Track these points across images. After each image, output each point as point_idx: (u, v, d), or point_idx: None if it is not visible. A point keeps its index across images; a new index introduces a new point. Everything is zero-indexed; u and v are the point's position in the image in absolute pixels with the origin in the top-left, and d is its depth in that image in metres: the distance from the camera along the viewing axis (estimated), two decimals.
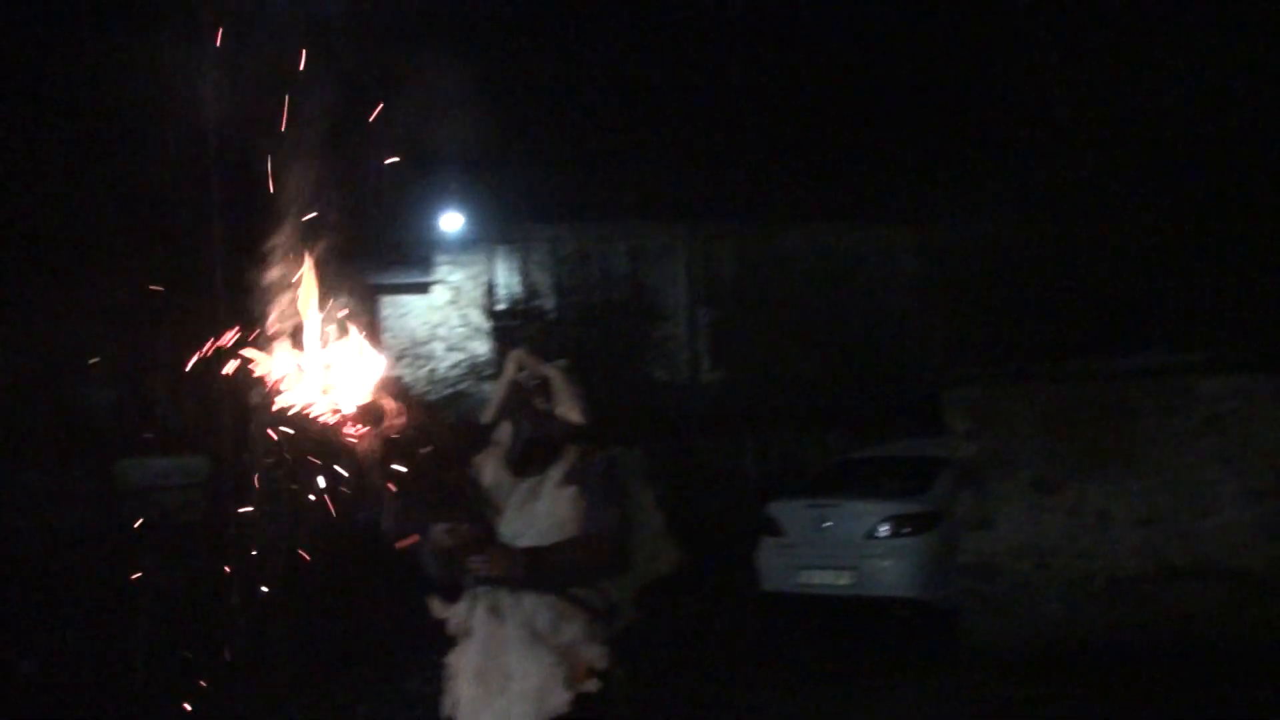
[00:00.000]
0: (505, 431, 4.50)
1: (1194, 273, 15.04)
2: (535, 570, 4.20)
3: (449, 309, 19.73)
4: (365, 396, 4.11)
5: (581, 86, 19.60)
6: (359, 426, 4.09)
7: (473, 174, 18.45)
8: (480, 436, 4.59)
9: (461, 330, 18.77)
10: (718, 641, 11.98)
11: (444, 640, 4.38)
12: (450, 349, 18.22)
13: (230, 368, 4.05)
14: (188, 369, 4.21)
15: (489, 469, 4.47)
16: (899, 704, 9.53)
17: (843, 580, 11.80)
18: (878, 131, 19.92)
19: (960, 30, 18.91)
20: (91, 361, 15.28)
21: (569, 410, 4.43)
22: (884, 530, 11.72)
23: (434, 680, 4.40)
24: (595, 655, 4.24)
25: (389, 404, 4.14)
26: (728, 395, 18.40)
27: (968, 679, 10.08)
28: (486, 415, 4.57)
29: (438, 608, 4.41)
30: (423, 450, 4.19)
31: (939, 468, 11.87)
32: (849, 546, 11.79)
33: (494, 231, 19.85)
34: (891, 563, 11.65)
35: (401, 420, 4.15)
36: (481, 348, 18.60)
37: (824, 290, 19.25)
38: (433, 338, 19.15)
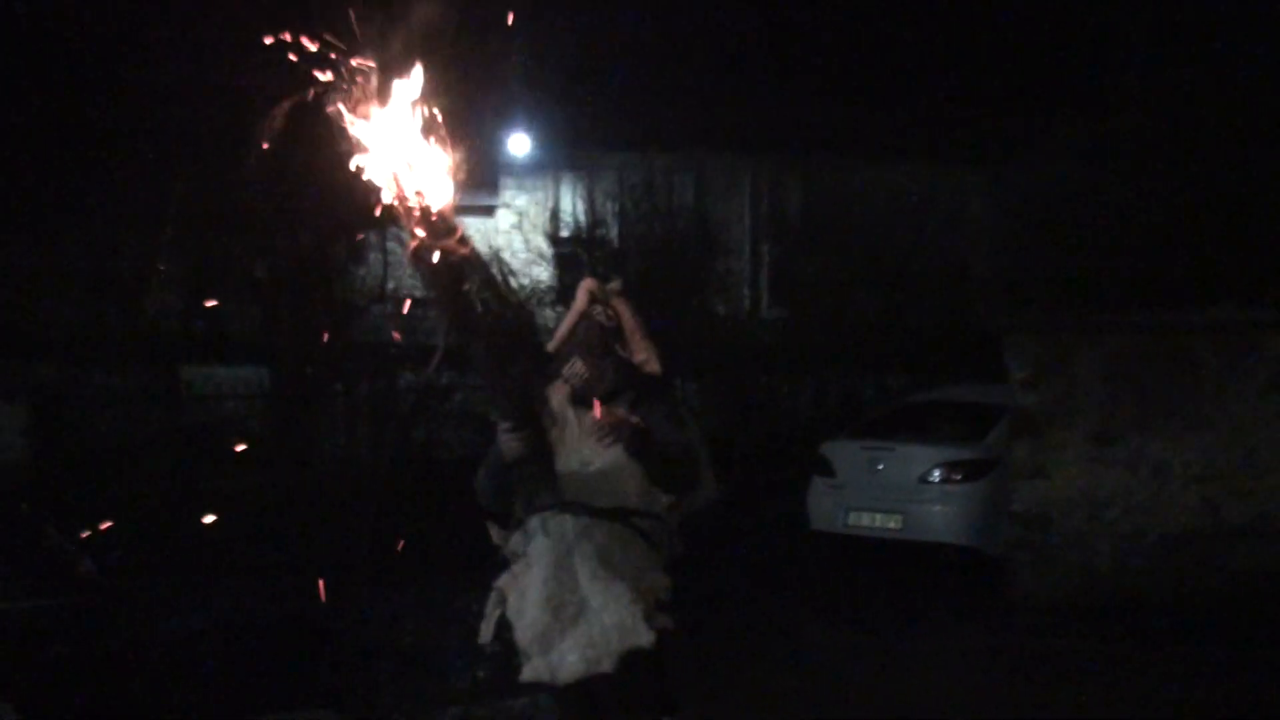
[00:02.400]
0: (573, 366, 4.50)
1: (1268, 226, 14.77)
2: (641, 436, 4.31)
3: (513, 233, 19.73)
4: (439, 204, 4.14)
5: (654, 13, 19.43)
6: (429, 234, 4.14)
7: (541, 97, 18.37)
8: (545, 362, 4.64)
9: (525, 255, 18.76)
10: (765, 578, 12.04)
11: (492, 564, 4.38)
12: (512, 274, 18.20)
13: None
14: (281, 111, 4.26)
15: (554, 400, 4.50)
16: (942, 647, 9.55)
17: (892, 523, 11.82)
18: (951, 69, 19.64)
19: None
20: (160, 267, 15.45)
21: (647, 360, 4.53)
22: (936, 475, 11.70)
23: (483, 603, 4.36)
24: (661, 585, 4.27)
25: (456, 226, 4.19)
26: (788, 333, 18.32)
27: (1014, 627, 10.09)
28: (552, 344, 4.60)
29: (495, 533, 4.42)
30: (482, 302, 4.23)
31: (996, 415, 11.82)
32: (900, 490, 11.79)
33: (561, 157, 19.79)
34: (942, 508, 11.64)
35: (465, 249, 4.21)
36: (544, 274, 18.61)
37: (890, 230, 19.06)
38: (495, 261, 19.18)
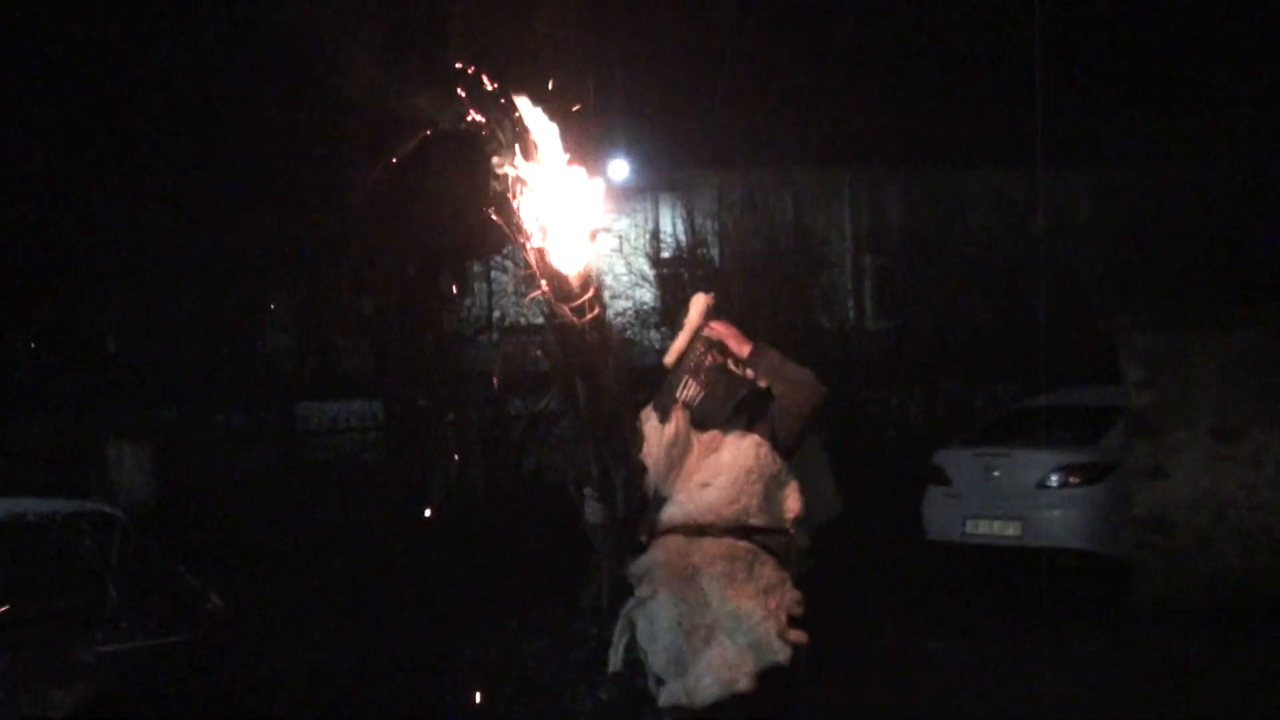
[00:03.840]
0: (685, 389, 4.42)
1: None
2: (759, 352, 4.33)
3: (614, 257, 19.85)
4: (572, 267, 4.18)
5: (744, 29, 19.45)
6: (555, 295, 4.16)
7: (638, 120, 18.48)
8: (648, 383, 4.64)
9: (627, 278, 18.86)
10: (884, 590, 11.94)
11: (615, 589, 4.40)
12: (615, 297, 18.31)
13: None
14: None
15: (670, 426, 4.39)
16: (1070, 657, 9.40)
17: (1010, 530, 11.67)
18: (1049, 71, 19.38)
19: None
20: (271, 306, 15.78)
21: (771, 379, 4.38)
22: (1054, 480, 11.54)
23: (601, 623, 4.45)
24: (792, 599, 4.22)
25: (582, 288, 4.18)
26: (894, 343, 18.20)
27: (1141, 633, 9.90)
28: (669, 358, 4.52)
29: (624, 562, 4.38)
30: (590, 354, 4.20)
31: (1112, 417, 11.62)
32: (1018, 496, 11.64)
33: (658, 178, 19.88)
34: (1061, 513, 11.47)
35: (592, 311, 4.20)
36: (647, 295, 18.69)
37: (994, 236, 18.86)
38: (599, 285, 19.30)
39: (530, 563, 11.58)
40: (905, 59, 19.99)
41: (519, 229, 4.19)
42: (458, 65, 4.20)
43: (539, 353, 4.41)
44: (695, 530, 4.25)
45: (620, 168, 19.40)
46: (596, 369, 4.25)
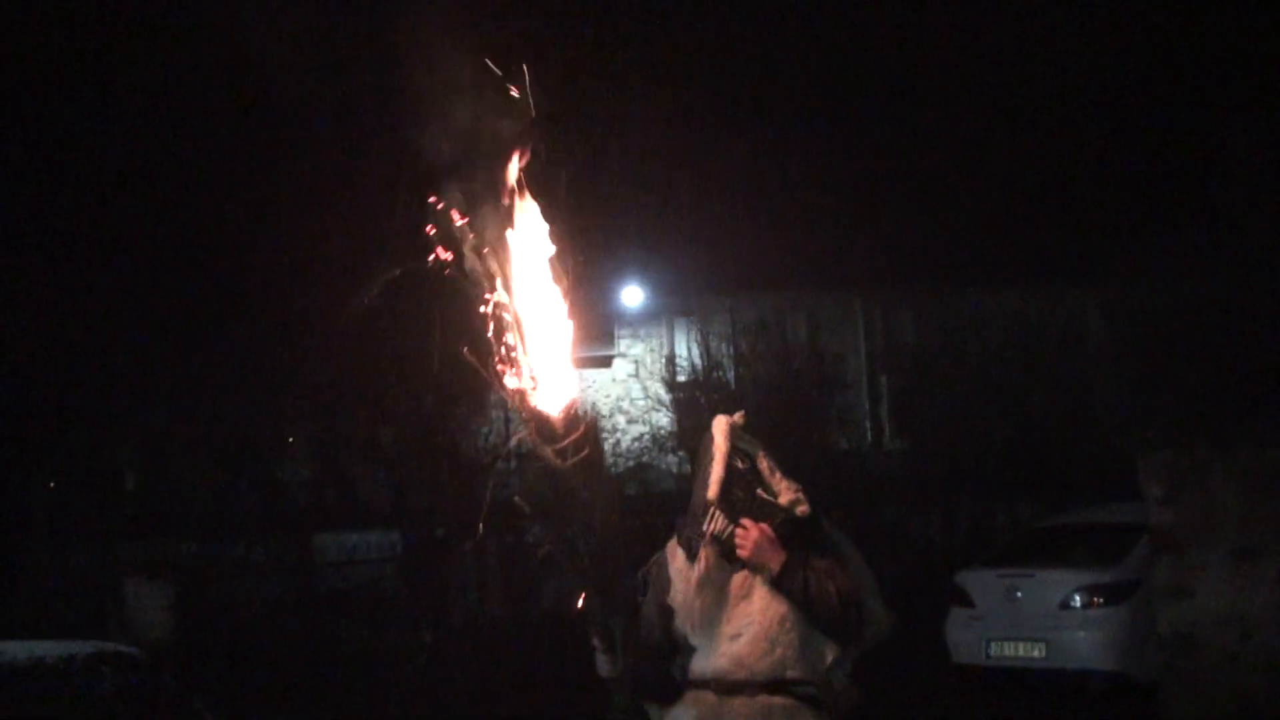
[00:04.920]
0: (712, 522, 4.06)
1: None
2: (790, 574, 3.96)
3: (630, 382, 19.96)
4: (554, 410, 4.00)
5: (755, 157, 19.74)
6: (537, 436, 3.99)
7: (651, 248, 18.70)
8: (668, 510, 4.52)
9: (643, 402, 18.95)
10: (912, 717, 11.76)
11: None
12: (632, 421, 18.40)
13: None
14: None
15: (695, 559, 4.09)
16: None
17: (1036, 652, 11.51)
18: (1057, 193, 19.61)
19: (1141, 88, 18.56)
20: (289, 439, 15.84)
21: (795, 501, 4.08)
22: (1078, 600, 11.42)
23: None
24: None
25: (567, 427, 3.99)
26: (912, 463, 18.19)
27: None
28: (711, 491, 4.11)
29: (654, 713, 4.17)
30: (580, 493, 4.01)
31: (1134, 535, 11.52)
32: (1042, 617, 11.51)
33: (673, 303, 20.07)
34: (1086, 634, 11.33)
35: (581, 452, 3.99)
36: (663, 420, 18.74)
37: (1008, 354, 18.93)
38: (615, 411, 19.38)
39: (550, 695, 11.47)
40: (913, 182, 20.26)
41: (497, 370, 4.05)
42: (431, 200, 4.11)
43: (515, 498, 4.17)
44: (726, 688, 3.98)
45: (635, 294, 19.60)
46: (585, 512, 4.04)
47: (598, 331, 19.76)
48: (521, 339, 4.06)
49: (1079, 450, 16.74)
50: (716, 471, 4.11)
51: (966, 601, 12.08)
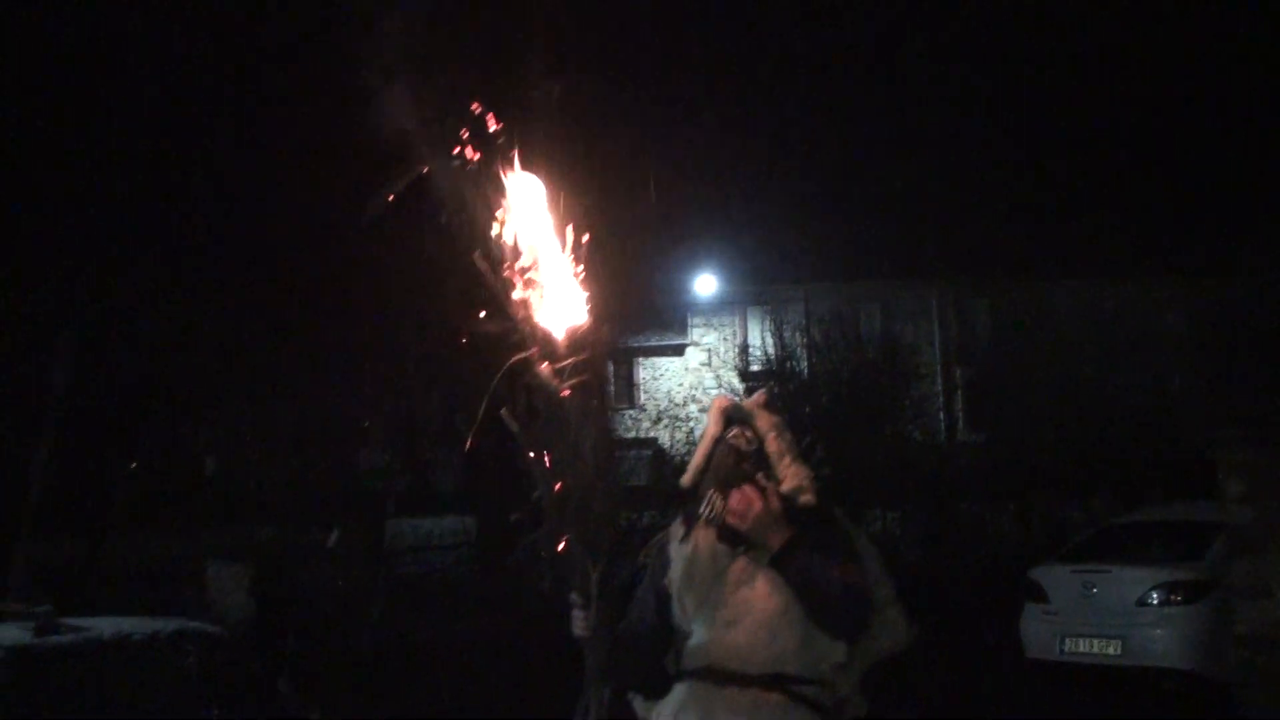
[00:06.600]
0: (710, 504, 3.77)
1: None
2: (791, 554, 3.67)
3: (703, 370, 19.98)
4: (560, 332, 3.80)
5: (832, 148, 19.68)
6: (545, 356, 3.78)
7: (726, 237, 18.71)
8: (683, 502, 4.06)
9: (716, 391, 18.95)
10: (983, 711, 11.72)
11: None
12: (704, 410, 18.39)
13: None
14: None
15: (693, 540, 3.82)
16: None
17: (1111, 649, 11.41)
18: (1139, 185, 19.38)
19: (1233, 78, 18.29)
20: (365, 425, 16.00)
21: (800, 489, 3.77)
22: (1155, 598, 11.30)
23: None
24: None
25: (570, 354, 3.78)
26: (986, 457, 18.06)
27: None
28: (686, 478, 3.92)
29: (639, 705, 3.93)
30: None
31: (1212, 533, 11.40)
32: (1117, 614, 11.40)
33: (747, 293, 20.06)
34: (1163, 632, 11.21)
35: (579, 376, 3.75)
36: None
37: (1086, 348, 18.73)
38: (689, 399, 19.42)
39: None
40: (990, 173, 20.12)
41: (506, 278, 3.85)
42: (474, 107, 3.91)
43: (502, 411, 3.87)
44: (719, 678, 3.72)
45: (709, 283, 19.61)
46: (571, 441, 3.78)
47: (671, 320, 19.78)
48: (533, 259, 3.86)
49: (1156, 446, 16.53)
50: (696, 457, 3.93)
51: (1041, 597, 12.00)
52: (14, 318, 13.16)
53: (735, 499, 3.71)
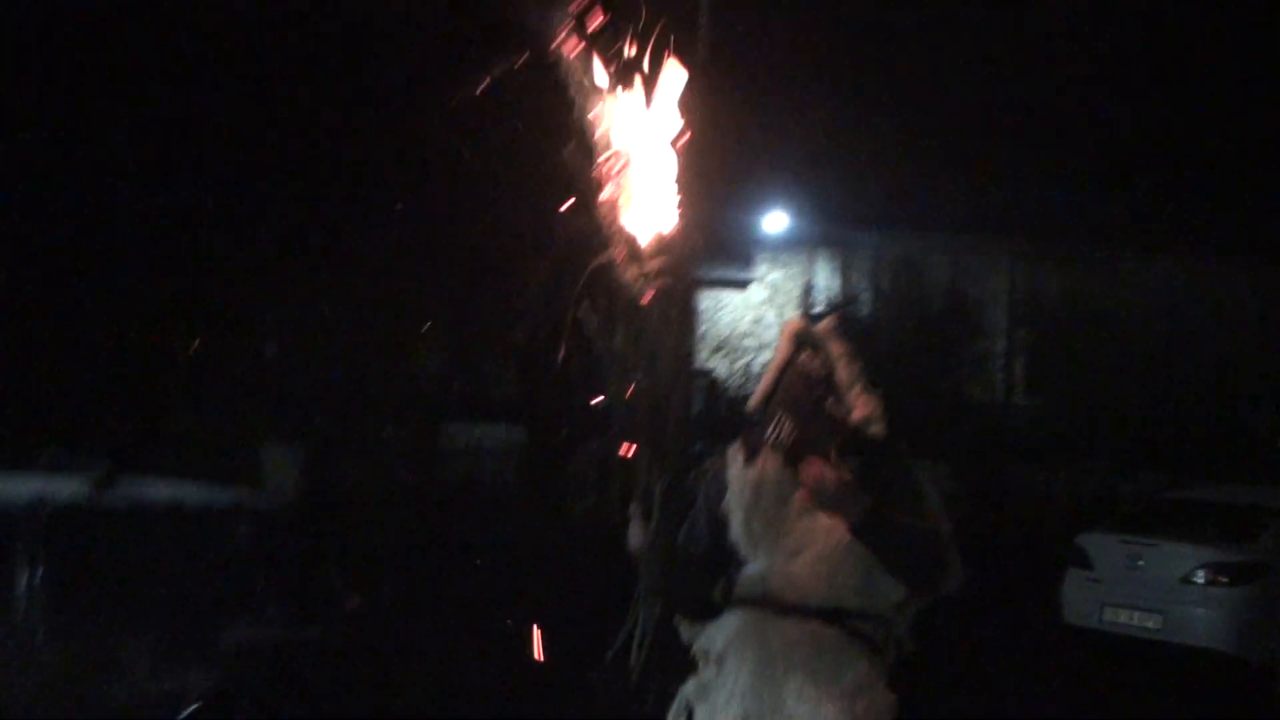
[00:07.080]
0: (778, 428, 3.68)
1: None
2: (872, 527, 3.51)
3: (765, 307, 19.87)
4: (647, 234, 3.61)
5: (915, 94, 19.41)
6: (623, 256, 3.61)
7: (798, 174, 18.52)
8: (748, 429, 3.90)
9: (776, 330, 18.86)
10: (1014, 670, 11.69)
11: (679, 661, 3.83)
12: (763, 346, 18.30)
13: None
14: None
15: (759, 465, 3.71)
16: None
17: (1150, 623, 11.35)
18: (1221, 160, 19.04)
19: None
20: (425, 327, 16.03)
21: (869, 418, 3.67)
22: (1201, 576, 11.20)
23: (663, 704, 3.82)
24: (884, 705, 3.61)
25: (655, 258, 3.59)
26: (1042, 421, 17.91)
27: None
28: (753, 403, 3.81)
29: (685, 629, 3.81)
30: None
31: (1266, 517, 11.29)
32: (1161, 589, 11.33)
33: (816, 233, 19.88)
34: (1205, 611, 11.13)
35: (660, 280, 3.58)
36: None
37: (1153, 322, 18.50)
38: (749, 334, 19.34)
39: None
40: (1073, 136, 19.78)
41: (594, 177, 3.65)
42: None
43: (581, 309, 3.69)
44: (776, 609, 3.62)
45: (778, 220, 19.43)
46: (650, 345, 3.59)
47: (736, 253, 19.63)
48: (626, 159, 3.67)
49: (1216, 426, 16.35)
50: (765, 381, 3.80)
51: (1086, 564, 11.94)
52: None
53: (804, 471, 3.58)
